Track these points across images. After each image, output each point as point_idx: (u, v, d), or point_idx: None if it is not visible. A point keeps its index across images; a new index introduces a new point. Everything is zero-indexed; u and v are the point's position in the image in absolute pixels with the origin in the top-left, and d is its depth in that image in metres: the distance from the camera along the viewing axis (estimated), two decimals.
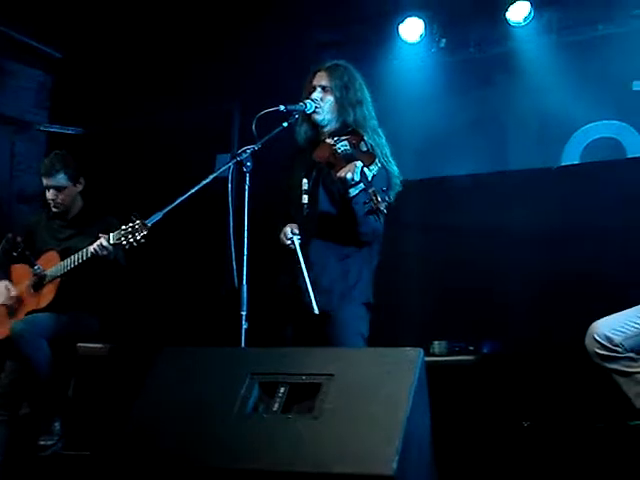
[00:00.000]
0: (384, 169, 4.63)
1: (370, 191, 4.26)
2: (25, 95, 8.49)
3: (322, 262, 4.66)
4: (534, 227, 6.27)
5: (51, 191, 5.92)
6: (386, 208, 4.29)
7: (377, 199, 4.22)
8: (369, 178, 4.36)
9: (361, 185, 4.36)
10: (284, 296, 4.77)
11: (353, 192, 4.41)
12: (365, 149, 4.55)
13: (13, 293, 5.79)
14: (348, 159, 4.46)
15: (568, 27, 6.68)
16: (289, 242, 4.65)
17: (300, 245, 4.64)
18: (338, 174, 4.41)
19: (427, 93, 7.06)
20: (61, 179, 5.91)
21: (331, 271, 4.67)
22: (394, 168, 4.71)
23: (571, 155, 6.81)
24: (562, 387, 5.78)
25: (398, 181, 4.72)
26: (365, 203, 4.29)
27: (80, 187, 6.00)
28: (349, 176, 4.35)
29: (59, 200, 5.93)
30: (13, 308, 5.78)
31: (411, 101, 7.05)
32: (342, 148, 4.57)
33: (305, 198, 4.73)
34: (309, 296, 4.53)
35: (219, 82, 7.65)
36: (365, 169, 4.37)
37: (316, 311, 4.51)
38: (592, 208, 6.10)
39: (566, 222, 6.19)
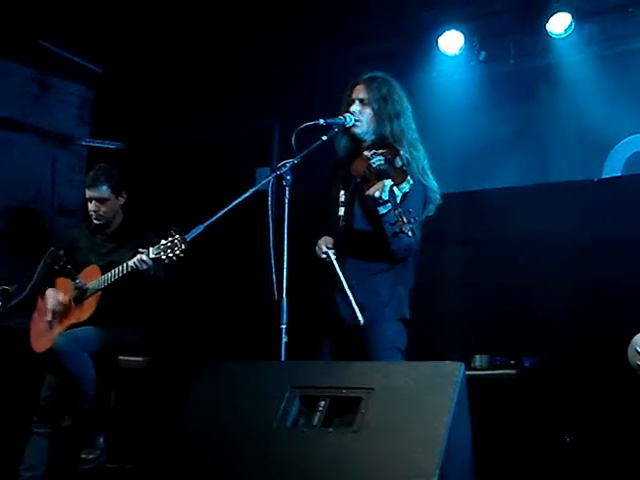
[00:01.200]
0: (420, 184, 4.60)
1: (396, 212, 4.23)
2: (67, 110, 8.58)
3: (356, 277, 4.64)
4: (575, 240, 6.22)
5: (93, 203, 5.95)
6: (411, 230, 4.21)
7: (402, 220, 4.19)
8: (397, 198, 4.32)
9: (389, 205, 4.33)
10: (321, 310, 4.76)
11: (382, 210, 4.38)
12: (400, 164, 4.51)
13: (61, 299, 5.82)
14: (380, 175, 4.43)
15: (609, 39, 6.63)
16: (324, 256, 4.64)
17: (337, 259, 4.63)
18: (367, 192, 4.40)
19: (467, 106, 7.04)
20: (104, 191, 5.94)
21: (364, 287, 4.64)
22: (432, 182, 4.68)
23: (613, 167, 6.74)
24: (604, 401, 5.73)
25: (437, 195, 4.68)
26: (391, 224, 4.27)
27: (122, 200, 6.03)
28: (377, 194, 4.32)
29: (101, 212, 5.96)
30: (54, 321, 5.81)
31: (451, 114, 7.03)
32: (377, 163, 4.52)
33: (341, 211, 4.72)
34: (352, 308, 4.51)
35: (259, 96, 7.68)
36: (395, 188, 4.34)
37: (361, 321, 4.49)
38: (634, 221, 6.05)
39: (607, 235, 6.13)
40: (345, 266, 4.64)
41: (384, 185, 4.32)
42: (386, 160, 4.53)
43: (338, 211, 4.74)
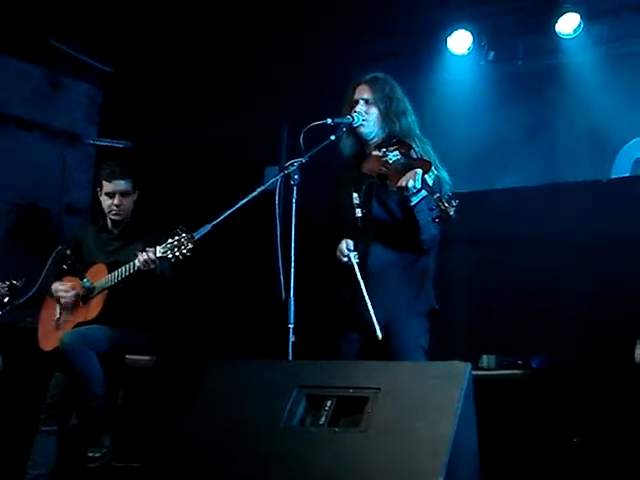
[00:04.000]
0: (436, 176, 4.62)
1: (435, 197, 4.22)
2: (76, 109, 8.60)
3: (383, 274, 4.66)
4: (584, 240, 6.21)
5: (117, 197, 5.89)
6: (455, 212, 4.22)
7: (445, 204, 4.17)
8: (430, 184, 4.35)
9: (423, 192, 4.33)
10: (344, 311, 4.76)
11: (415, 200, 4.39)
12: (416, 157, 4.54)
13: (72, 290, 5.82)
14: (403, 168, 4.44)
15: (618, 39, 6.61)
16: (346, 259, 4.64)
17: (358, 262, 4.63)
18: (399, 183, 4.37)
19: (475, 106, 7.03)
20: (127, 185, 5.92)
21: (392, 284, 4.66)
22: (444, 173, 4.70)
23: (622, 168, 6.73)
24: (612, 401, 5.72)
25: (449, 187, 4.69)
26: (432, 210, 4.27)
27: (136, 197, 6.02)
28: (410, 184, 4.31)
29: (122, 207, 5.93)
30: (61, 320, 5.82)
31: (459, 114, 7.02)
32: (394, 158, 4.56)
33: (358, 212, 4.72)
34: (372, 321, 4.51)
35: (267, 95, 7.68)
36: (425, 176, 4.35)
37: (379, 336, 4.49)
38: None
39: (616, 235, 6.12)
40: (371, 263, 4.65)
41: (416, 173, 4.32)
42: (402, 154, 4.55)
43: (355, 213, 4.73)
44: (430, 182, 4.37)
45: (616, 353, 5.45)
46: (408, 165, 4.45)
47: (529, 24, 6.85)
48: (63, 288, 5.81)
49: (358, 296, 4.60)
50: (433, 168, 4.46)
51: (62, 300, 5.81)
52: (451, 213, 4.18)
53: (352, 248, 4.64)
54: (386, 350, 4.59)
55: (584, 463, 5.49)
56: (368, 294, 4.54)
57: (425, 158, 4.53)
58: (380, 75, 4.89)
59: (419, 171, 4.33)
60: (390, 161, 4.56)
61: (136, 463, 5.54)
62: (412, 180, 4.31)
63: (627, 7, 6.46)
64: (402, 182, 4.36)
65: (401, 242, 4.64)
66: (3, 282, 5.53)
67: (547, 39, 6.79)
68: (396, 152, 4.58)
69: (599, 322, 6.09)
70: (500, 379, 5.70)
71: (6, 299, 5.53)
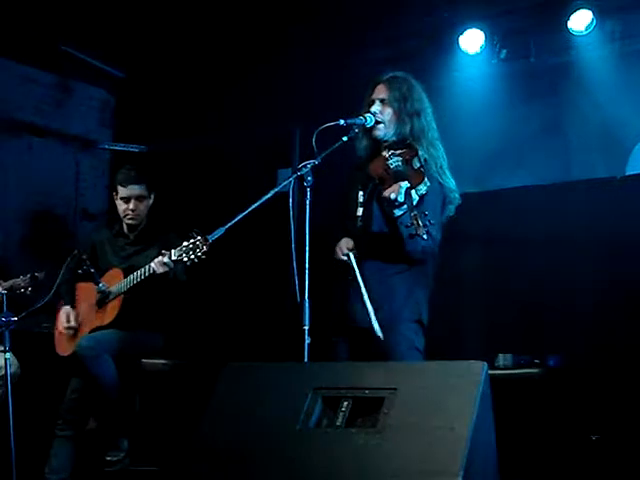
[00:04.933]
0: (438, 184, 4.60)
1: (412, 214, 4.20)
2: (89, 114, 8.63)
3: (372, 278, 4.63)
4: (598, 238, 6.19)
5: (132, 201, 5.90)
6: (427, 232, 4.15)
7: (418, 223, 4.14)
8: (414, 200, 4.31)
9: (405, 206, 4.31)
10: (336, 309, 4.76)
11: (397, 213, 4.38)
12: (417, 166, 4.50)
13: (72, 322, 5.83)
14: (397, 177, 4.43)
15: (631, 36, 6.59)
16: (344, 258, 4.64)
17: (357, 260, 4.63)
18: (383, 194, 4.40)
19: (488, 104, 7.02)
20: (143, 189, 5.93)
21: (381, 288, 4.63)
22: (450, 181, 4.66)
23: (636, 165, 6.71)
24: (630, 399, 5.70)
25: (456, 194, 4.67)
26: (407, 227, 4.25)
27: (151, 201, 6.03)
28: (393, 196, 4.31)
29: (138, 211, 5.93)
30: (76, 329, 5.84)
31: (472, 113, 7.01)
32: (394, 164, 4.54)
33: (360, 211, 4.72)
34: (370, 318, 4.50)
35: (281, 97, 7.69)
36: (412, 190, 4.33)
37: (379, 333, 4.48)
38: None
39: (630, 232, 6.10)
40: (363, 266, 4.64)
41: (400, 187, 4.31)
42: (404, 161, 4.53)
43: (356, 211, 4.74)
44: (415, 198, 4.33)
45: (633, 351, 5.43)
46: (403, 174, 4.43)
47: (541, 21, 6.84)
48: (64, 318, 5.85)
49: (350, 295, 4.62)
50: (426, 181, 4.42)
51: (59, 329, 5.84)
52: (420, 233, 4.14)
53: (352, 247, 4.63)
54: (379, 353, 4.56)
55: (602, 461, 5.47)
56: (367, 292, 4.55)
57: (423, 170, 4.49)
58: (400, 74, 4.85)
59: (404, 185, 4.32)
60: (391, 166, 4.55)
61: (154, 467, 5.56)
62: (394, 193, 4.31)
63: (638, 3, 6.45)
64: (386, 193, 4.37)
65: (392, 249, 4.60)
66: (25, 275, 5.57)
67: (559, 36, 6.79)
68: (399, 158, 4.56)
69: (615, 320, 6.07)
70: (517, 378, 5.70)
71: (28, 290, 5.57)
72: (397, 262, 4.65)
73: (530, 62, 6.99)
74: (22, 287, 5.58)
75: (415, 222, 4.17)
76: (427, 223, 4.17)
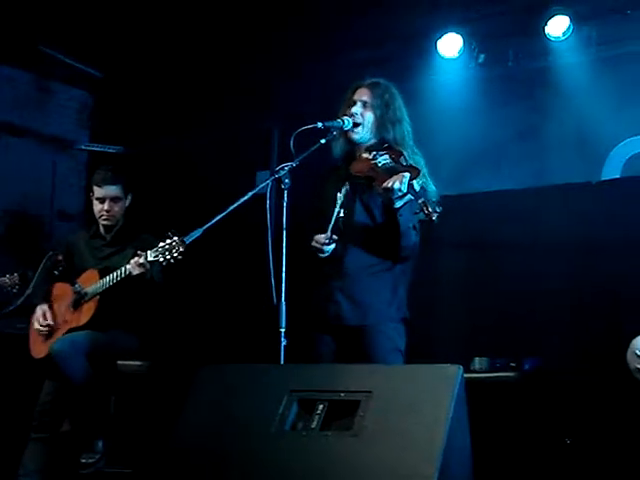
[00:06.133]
0: (422, 189, 4.61)
1: (420, 202, 4.22)
2: (67, 114, 8.59)
3: (358, 276, 4.66)
4: (574, 242, 6.23)
5: (107, 202, 5.90)
6: (438, 216, 4.20)
7: (428, 209, 4.18)
8: (417, 189, 4.34)
9: (408, 197, 4.33)
10: (318, 308, 4.76)
11: (399, 203, 4.38)
12: (406, 163, 4.55)
13: (48, 319, 5.81)
14: (391, 172, 4.44)
15: (607, 41, 6.63)
16: (325, 241, 4.59)
17: (335, 254, 4.63)
18: (384, 184, 4.36)
19: (466, 108, 7.04)
20: (118, 190, 5.93)
21: (367, 286, 4.66)
22: (432, 186, 4.69)
23: (612, 169, 6.74)
24: (604, 404, 5.73)
25: (435, 200, 4.69)
26: (416, 213, 4.27)
27: (128, 203, 6.02)
28: (396, 186, 4.31)
29: (113, 212, 5.93)
30: (50, 330, 5.81)
31: (450, 117, 7.03)
32: (383, 162, 4.57)
33: (341, 212, 4.72)
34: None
35: (259, 99, 7.68)
36: (413, 181, 4.34)
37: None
38: (633, 223, 6.05)
39: (607, 237, 6.13)
40: (347, 264, 4.66)
41: (403, 177, 4.32)
42: (392, 159, 4.56)
43: (337, 212, 4.73)
44: (417, 187, 4.35)
45: (607, 355, 5.46)
46: (396, 170, 4.45)
47: (519, 27, 6.87)
48: (41, 316, 5.82)
49: (335, 293, 4.64)
50: (422, 175, 4.47)
51: (34, 327, 5.81)
52: (434, 218, 4.18)
53: (330, 241, 4.61)
54: (362, 353, 4.59)
55: (576, 465, 5.49)
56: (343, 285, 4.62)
57: (415, 165, 4.53)
58: (382, 81, 4.89)
59: (407, 175, 4.33)
60: (379, 164, 4.58)
61: (129, 469, 5.53)
62: (398, 182, 4.31)
63: (616, 9, 6.48)
64: (388, 183, 4.35)
65: (380, 246, 4.63)
66: (12, 274, 5.55)
67: (537, 41, 6.82)
68: (386, 156, 4.60)
69: (590, 324, 6.10)
70: (492, 381, 5.70)
71: (15, 289, 5.54)
72: (382, 260, 4.68)
73: (508, 67, 7.02)
74: (9, 286, 5.56)
75: (425, 208, 4.19)
76: (436, 209, 4.19)
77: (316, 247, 4.62)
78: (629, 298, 5.95)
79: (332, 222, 4.58)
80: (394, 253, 4.64)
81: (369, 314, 4.62)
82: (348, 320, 4.64)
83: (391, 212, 4.47)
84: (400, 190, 4.31)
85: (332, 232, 4.59)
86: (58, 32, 7.72)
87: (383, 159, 4.59)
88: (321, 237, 4.61)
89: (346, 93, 4.90)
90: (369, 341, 4.60)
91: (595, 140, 6.71)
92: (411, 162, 4.58)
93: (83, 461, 5.56)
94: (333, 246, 4.61)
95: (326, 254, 4.62)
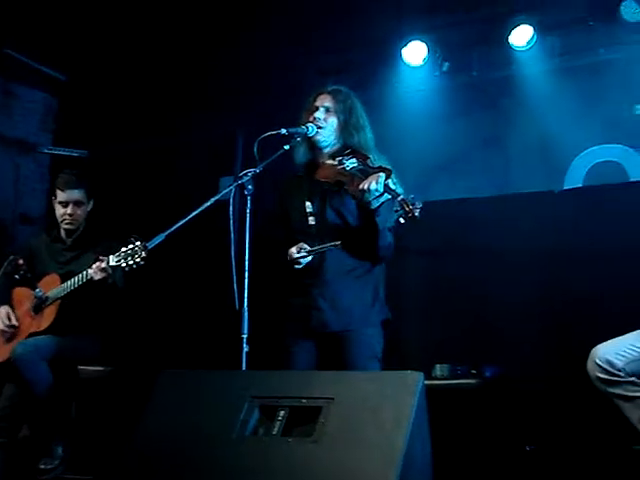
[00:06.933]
0: None
1: (399, 199, 4.23)
2: (30, 117, 8.52)
3: (338, 281, 4.67)
4: (536, 250, 6.26)
5: (70, 206, 5.89)
6: (420, 211, 4.21)
7: (409, 206, 4.18)
8: (393, 187, 4.35)
9: (385, 196, 4.34)
10: (297, 317, 4.76)
11: (376, 204, 4.39)
12: (374, 165, 4.55)
13: (13, 320, 5.77)
14: (363, 173, 4.46)
15: (570, 51, 6.69)
16: (302, 253, 4.60)
17: (312, 264, 4.63)
18: (361, 186, 4.37)
19: (430, 116, 7.07)
20: (81, 195, 5.91)
21: (349, 290, 4.67)
22: (400, 189, 4.71)
23: (574, 178, 6.80)
24: (564, 411, 5.77)
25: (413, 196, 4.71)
26: (396, 211, 4.26)
27: (90, 207, 6.00)
28: (373, 186, 4.32)
29: (76, 216, 5.90)
30: (12, 332, 5.76)
31: (414, 124, 7.06)
32: (351, 165, 4.58)
33: (312, 220, 4.72)
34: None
35: (222, 105, 7.67)
36: (388, 181, 4.35)
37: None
38: (594, 232, 6.09)
39: (568, 245, 6.18)
40: (326, 271, 4.67)
41: (379, 177, 4.33)
42: (359, 162, 4.56)
43: (308, 221, 4.74)
44: (392, 186, 4.37)
45: (568, 363, 5.49)
46: (367, 171, 4.47)
47: (483, 36, 6.91)
48: (5, 316, 5.77)
49: (317, 300, 4.64)
50: (393, 175, 4.47)
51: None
52: (416, 214, 4.18)
53: (306, 253, 4.62)
54: (341, 359, 4.61)
55: (536, 472, 5.52)
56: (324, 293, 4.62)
57: (384, 166, 4.53)
58: (343, 88, 4.92)
59: (382, 174, 4.35)
60: (347, 168, 4.58)
61: (88, 475, 5.49)
62: (375, 183, 4.33)
63: (578, 20, 6.54)
64: (364, 185, 4.36)
65: (356, 249, 4.65)
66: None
67: (501, 51, 6.86)
68: (353, 159, 4.60)
69: (552, 331, 6.14)
70: (453, 388, 5.72)
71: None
72: (360, 263, 4.69)
73: (472, 75, 7.06)
74: None
75: (405, 204, 4.19)
76: (417, 205, 4.19)
77: (292, 259, 4.63)
78: (590, 306, 5.99)
79: (315, 248, 4.61)
80: (372, 254, 4.66)
81: (352, 319, 4.63)
82: (332, 326, 4.64)
83: (368, 213, 4.47)
84: (377, 190, 4.33)
85: (310, 250, 4.61)
86: (22, 35, 7.66)
87: (350, 162, 4.59)
88: (293, 251, 4.62)
89: (308, 100, 4.91)
90: (350, 348, 4.61)
91: (558, 149, 6.77)
92: (379, 164, 4.59)
93: (42, 467, 5.51)
94: (309, 258, 4.62)
95: (302, 265, 4.62)
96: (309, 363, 4.68)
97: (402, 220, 4.26)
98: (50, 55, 8.08)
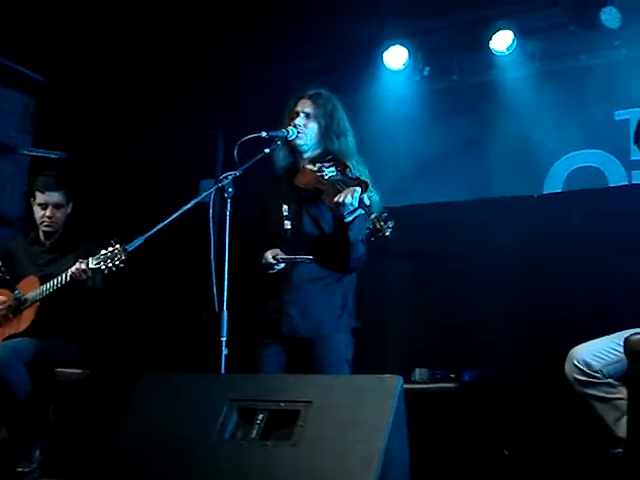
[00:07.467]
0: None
1: (373, 217, 4.21)
2: (8, 119, 8.47)
3: (308, 288, 4.67)
4: (516, 255, 6.28)
5: (49, 208, 5.88)
6: (391, 231, 4.19)
7: (381, 224, 4.16)
8: (367, 204, 4.34)
9: (359, 211, 4.34)
10: (269, 321, 4.74)
11: (350, 218, 4.39)
12: (352, 176, 4.54)
13: (4, 303, 5.74)
14: (341, 184, 4.45)
15: (551, 57, 6.71)
16: (275, 261, 4.61)
17: (284, 269, 4.63)
18: (336, 199, 4.36)
19: (410, 121, 7.08)
20: (60, 197, 5.89)
21: (318, 298, 4.67)
22: (376, 197, 4.70)
23: (553, 183, 6.82)
24: (543, 415, 5.78)
25: (379, 210, 4.70)
26: (368, 229, 4.25)
27: (69, 210, 5.98)
28: (348, 200, 4.31)
29: (55, 219, 5.89)
30: None
31: (395, 128, 7.07)
32: (330, 174, 4.57)
33: (287, 224, 4.72)
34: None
35: (203, 107, 7.66)
36: (364, 195, 4.34)
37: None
38: (573, 236, 6.11)
39: (548, 250, 6.20)
40: (296, 276, 4.67)
41: (355, 191, 4.32)
42: (339, 171, 4.55)
43: (283, 225, 4.73)
44: (367, 202, 4.36)
45: (547, 366, 5.51)
46: (344, 182, 4.45)
47: (464, 40, 6.91)
48: None
49: (287, 305, 4.64)
50: (370, 188, 4.47)
51: None
52: (387, 234, 4.17)
53: (280, 260, 4.62)
54: (312, 363, 4.61)
55: (514, 476, 5.53)
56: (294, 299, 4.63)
57: (362, 178, 4.52)
58: (324, 92, 4.91)
59: (357, 189, 4.33)
60: (326, 177, 4.57)
61: (66, 478, 5.47)
62: (350, 197, 4.32)
63: (558, 25, 6.55)
64: (339, 198, 4.35)
65: (329, 258, 4.65)
66: None
67: (481, 56, 6.88)
68: (332, 168, 4.59)
69: (531, 335, 6.15)
70: (432, 392, 5.72)
71: None
72: (331, 271, 4.70)
73: (452, 80, 7.07)
74: None
75: (377, 222, 4.18)
76: (389, 224, 4.17)
77: (267, 264, 4.62)
78: (568, 309, 6.01)
79: (289, 258, 4.62)
80: (343, 265, 4.67)
81: (320, 325, 4.64)
82: (300, 332, 4.65)
83: (341, 226, 4.47)
84: (352, 205, 4.32)
85: (283, 259, 4.61)
86: (0, 36, 7.63)
87: (330, 171, 4.58)
88: (269, 256, 4.61)
89: (289, 104, 4.91)
90: (320, 353, 4.62)
91: (537, 154, 6.78)
92: (357, 174, 4.58)
93: (19, 470, 5.49)
94: (282, 265, 4.62)
95: (275, 271, 4.62)
96: (279, 367, 4.68)
97: (372, 239, 4.26)
98: (28, 56, 8.04)
